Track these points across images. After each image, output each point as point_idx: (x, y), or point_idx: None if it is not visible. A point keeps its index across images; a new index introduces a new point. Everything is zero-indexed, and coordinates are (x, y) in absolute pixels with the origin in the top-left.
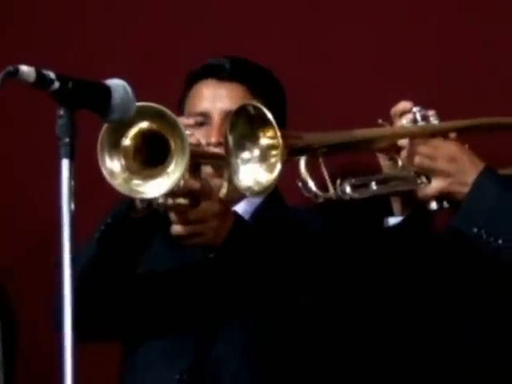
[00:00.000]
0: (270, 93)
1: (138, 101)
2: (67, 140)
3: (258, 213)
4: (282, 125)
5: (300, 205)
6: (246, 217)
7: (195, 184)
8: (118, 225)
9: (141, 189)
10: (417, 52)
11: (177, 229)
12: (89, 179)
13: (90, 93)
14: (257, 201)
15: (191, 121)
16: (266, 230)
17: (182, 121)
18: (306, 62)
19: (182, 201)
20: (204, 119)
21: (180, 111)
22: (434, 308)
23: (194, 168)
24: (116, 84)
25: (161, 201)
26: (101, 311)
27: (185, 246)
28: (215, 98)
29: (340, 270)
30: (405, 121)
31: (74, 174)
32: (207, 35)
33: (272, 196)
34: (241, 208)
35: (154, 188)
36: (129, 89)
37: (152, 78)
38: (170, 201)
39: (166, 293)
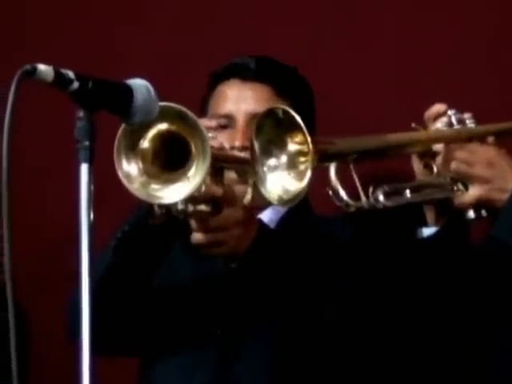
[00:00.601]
0: (297, 94)
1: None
2: (87, 143)
3: (283, 221)
4: (310, 129)
5: (328, 213)
6: (272, 225)
7: (217, 190)
8: (135, 232)
9: (159, 194)
10: (451, 53)
11: (197, 237)
12: (106, 184)
13: (111, 93)
14: (282, 209)
15: (213, 123)
16: (291, 239)
17: (204, 123)
18: (334, 63)
19: (203, 207)
20: (228, 122)
21: (203, 113)
22: (470, 322)
23: (216, 173)
24: (138, 84)
25: (180, 207)
26: (117, 323)
27: (206, 256)
28: (239, 100)
29: (368, 282)
30: (440, 124)
31: (92, 179)
32: (231, 34)
33: (299, 204)
34: (266, 216)
35: (174, 193)
36: (151, 89)
37: (173, 78)
38: (190, 207)
39: (186, 304)
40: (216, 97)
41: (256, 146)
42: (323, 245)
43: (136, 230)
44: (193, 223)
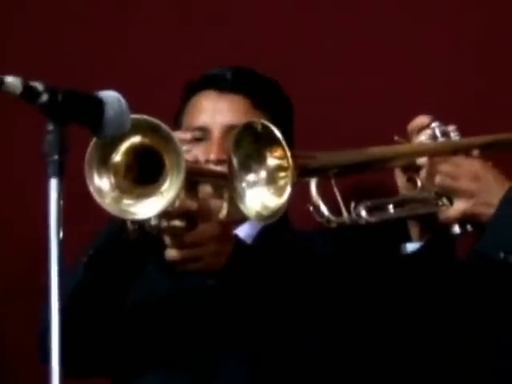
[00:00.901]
0: (275, 106)
1: (132, 113)
2: (56, 157)
3: (261, 236)
4: (288, 142)
5: (307, 228)
6: (249, 240)
7: (192, 204)
8: (108, 248)
9: (132, 209)
10: (435, 65)
11: (171, 253)
12: (77, 198)
13: (81, 106)
14: (260, 223)
15: (188, 135)
16: (269, 254)
17: (178, 135)
18: (313, 72)
19: (177, 222)
20: (203, 134)
21: (177, 125)
22: (457, 339)
23: (191, 187)
24: (109, 96)
25: (154, 222)
26: (88, 344)
27: (180, 272)
28: (215, 112)
29: (349, 298)
30: (423, 137)
31: (62, 194)
32: (209, 42)
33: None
34: (243, 231)
35: (147, 208)
36: (123, 101)
37: (146, 89)
38: (164, 222)
39: (162, 322)
40: (191, 108)
41: (234, 161)
42: (302, 260)
43: (109, 246)
44: (167, 239)
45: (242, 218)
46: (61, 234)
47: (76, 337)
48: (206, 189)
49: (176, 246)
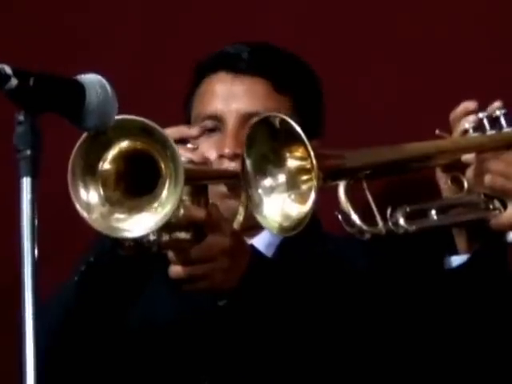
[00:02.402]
0: (300, 90)
1: (124, 111)
2: (28, 153)
3: (285, 245)
4: (317, 134)
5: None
6: (271, 250)
7: (199, 213)
8: (102, 265)
9: (122, 225)
10: (482, 46)
11: (176, 270)
12: (55, 201)
13: (58, 92)
14: None
15: (195, 131)
16: (294, 268)
17: (182, 131)
18: (344, 59)
19: (181, 235)
20: (215, 124)
21: (186, 115)
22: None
23: (198, 192)
24: (91, 80)
25: (152, 238)
26: (82, 373)
27: (187, 292)
28: (230, 97)
29: (384, 325)
30: (470, 129)
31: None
32: (220, 15)
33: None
34: (264, 239)
35: (139, 225)
36: (108, 87)
37: (144, 75)
38: (165, 236)
39: (168, 348)
40: (202, 94)
41: (248, 163)
42: (335, 273)
43: (103, 263)
44: (170, 254)
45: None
46: (35, 249)
47: (66, 367)
48: (220, 188)
49: (181, 262)
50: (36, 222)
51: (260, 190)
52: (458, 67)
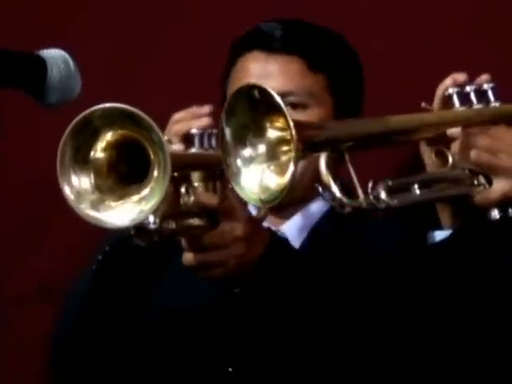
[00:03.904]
0: (336, 67)
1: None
2: None
3: (320, 228)
4: (356, 112)
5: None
6: (305, 233)
7: (211, 199)
8: (117, 254)
9: (111, 214)
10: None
11: (189, 258)
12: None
13: (17, 67)
14: (319, 211)
15: (206, 109)
16: (323, 256)
17: (194, 112)
18: None
19: (194, 222)
20: None
21: (222, 95)
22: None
23: (210, 177)
24: (53, 56)
25: (153, 226)
26: (101, 361)
27: (201, 279)
28: (264, 76)
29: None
30: (453, 94)
31: None
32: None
33: None
34: (297, 222)
35: (119, 216)
36: (71, 61)
37: (137, 61)
38: (170, 224)
39: (184, 337)
40: (236, 73)
41: (227, 132)
42: (353, 266)
43: (117, 251)
44: (183, 241)
45: (297, 206)
46: None
47: (84, 354)
48: None
49: (194, 250)
50: None
51: (239, 160)
52: (448, 40)
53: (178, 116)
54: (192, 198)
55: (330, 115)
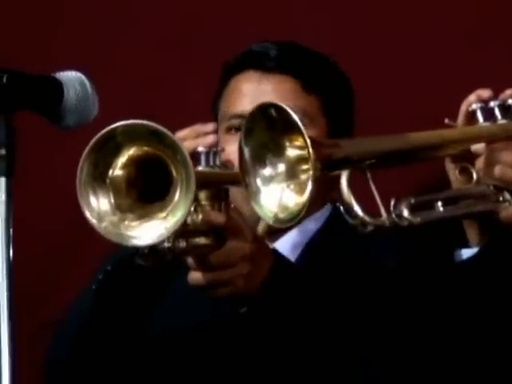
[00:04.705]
0: (329, 89)
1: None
2: (3, 152)
3: (313, 244)
4: (347, 133)
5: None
6: (298, 250)
7: (219, 217)
8: (119, 274)
9: (133, 233)
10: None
11: (195, 277)
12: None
13: (34, 90)
14: (313, 228)
15: (210, 127)
16: (318, 273)
17: (198, 129)
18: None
19: (201, 240)
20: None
21: (213, 116)
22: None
23: (218, 195)
24: (69, 78)
25: (167, 245)
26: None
27: (207, 298)
28: (258, 96)
29: (404, 317)
30: (477, 110)
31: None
32: (245, 13)
33: (333, 220)
34: (291, 239)
35: (150, 231)
36: (88, 83)
37: (158, 78)
38: (181, 243)
39: (186, 358)
40: (229, 92)
41: (246, 152)
42: (361, 277)
43: (120, 271)
44: (189, 260)
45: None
46: (11, 252)
47: (84, 372)
48: (245, 192)
49: (201, 268)
50: (12, 223)
51: (258, 179)
52: (473, 55)
53: (182, 134)
54: (200, 217)
55: (324, 136)
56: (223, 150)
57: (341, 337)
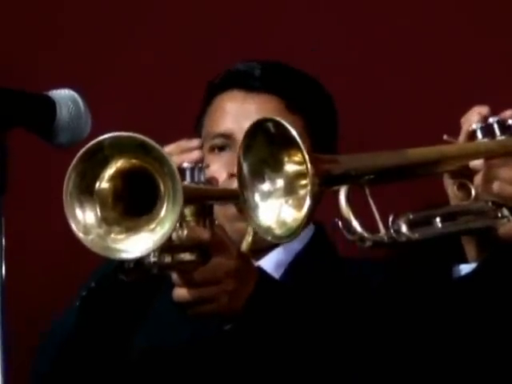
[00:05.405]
0: (313, 108)
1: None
2: None
3: (297, 263)
4: (331, 150)
5: (356, 254)
6: (282, 269)
7: (203, 234)
8: (103, 290)
9: (120, 246)
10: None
11: (180, 293)
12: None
13: (27, 107)
14: (296, 247)
15: (195, 143)
16: (303, 291)
17: (183, 145)
18: (345, 67)
19: (185, 256)
20: (226, 142)
21: (197, 135)
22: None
23: (203, 212)
24: (62, 96)
25: (153, 259)
26: None
27: (192, 316)
28: (241, 115)
29: (397, 336)
30: (477, 130)
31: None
32: (229, 33)
33: (317, 240)
34: (274, 257)
35: (136, 245)
36: (80, 101)
37: (159, 89)
38: (167, 258)
39: (170, 375)
40: (212, 112)
41: (245, 167)
42: (346, 297)
43: (105, 288)
44: (174, 276)
45: (271, 244)
46: (3, 270)
47: None
48: (230, 210)
49: (185, 285)
50: (3, 239)
51: (257, 195)
52: (467, 71)
53: (167, 149)
54: (185, 232)
55: None
56: (208, 166)
57: (324, 354)
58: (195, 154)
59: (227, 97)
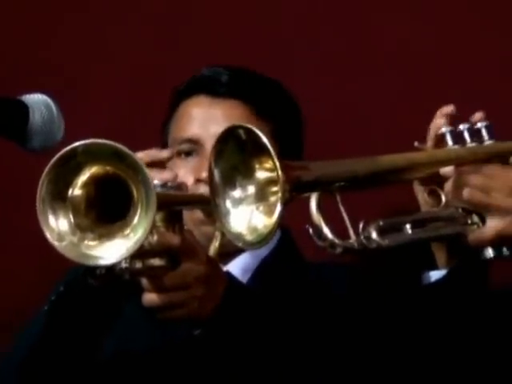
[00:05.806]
0: (281, 115)
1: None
2: None
3: (264, 268)
4: (297, 156)
5: (320, 258)
6: (249, 274)
7: (173, 239)
8: (72, 295)
9: (94, 253)
10: (462, 53)
11: (150, 298)
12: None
13: (0, 112)
14: (263, 252)
15: (165, 153)
16: (270, 295)
17: (153, 154)
18: (314, 73)
19: (155, 262)
20: (193, 148)
21: (163, 140)
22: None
23: (172, 217)
24: (35, 100)
25: (124, 265)
26: None
27: (161, 321)
28: (208, 120)
29: (366, 342)
30: (446, 133)
31: None
32: (198, 38)
33: (284, 245)
34: (241, 262)
35: (110, 252)
36: (53, 106)
37: (135, 95)
38: (138, 263)
39: (139, 380)
40: (179, 118)
41: (216, 174)
42: (313, 301)
43: (74, 293)
44: (144, 281)
45: (238, 247)
46: None
47: None
48: (196, 214)
49: (155, 290)
50: None
51: (228, 201)
52: (439, 75)
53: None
54: (155, 238)
55: None
56: (171, 170)
57: (289, 359)
58: (168, 174)
59: (193, 102)
